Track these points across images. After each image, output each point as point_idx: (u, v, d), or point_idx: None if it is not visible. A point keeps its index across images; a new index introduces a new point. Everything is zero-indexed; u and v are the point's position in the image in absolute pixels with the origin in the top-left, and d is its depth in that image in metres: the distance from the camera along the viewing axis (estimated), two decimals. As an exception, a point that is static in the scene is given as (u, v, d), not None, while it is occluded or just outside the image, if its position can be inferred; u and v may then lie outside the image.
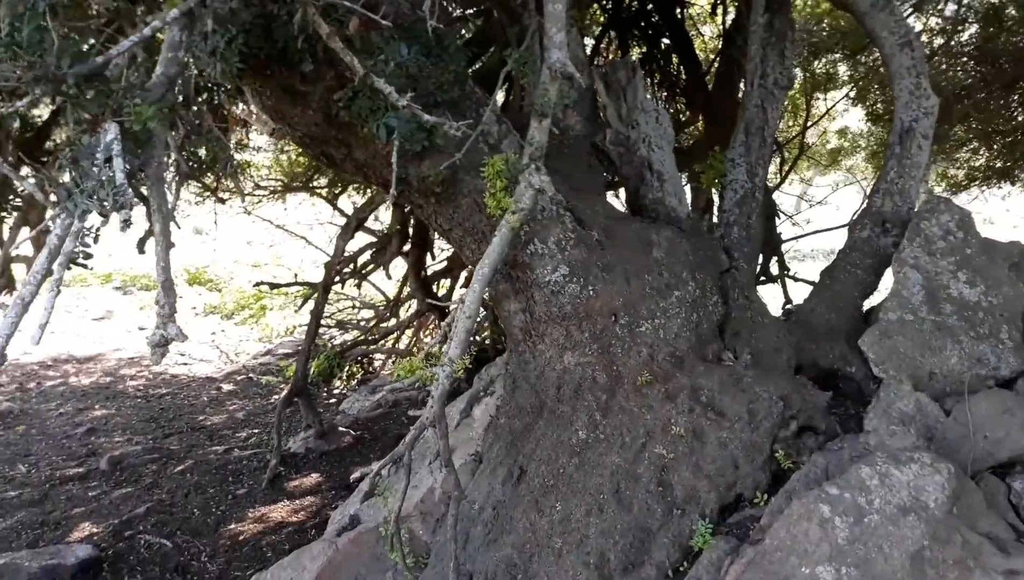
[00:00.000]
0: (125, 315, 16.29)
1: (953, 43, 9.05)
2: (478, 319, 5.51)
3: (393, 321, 11.08)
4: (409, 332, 11.17)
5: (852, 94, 10.14)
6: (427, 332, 11.20)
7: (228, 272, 19.59)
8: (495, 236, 3.76)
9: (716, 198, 7.50)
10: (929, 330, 4.44)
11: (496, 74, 4.15)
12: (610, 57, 8.38)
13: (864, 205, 5.30)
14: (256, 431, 9.22)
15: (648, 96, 5.09)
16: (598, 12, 8.02)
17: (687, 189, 8.89)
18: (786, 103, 10.47)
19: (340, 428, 8.74)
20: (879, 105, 9.85)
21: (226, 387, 11.54)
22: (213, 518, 6.68)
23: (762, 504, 3.62)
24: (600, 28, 8.15)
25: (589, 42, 8.19)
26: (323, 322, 10.07)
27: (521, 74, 3.61)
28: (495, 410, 5.04)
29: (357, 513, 5.27)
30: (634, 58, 8.32)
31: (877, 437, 3.86)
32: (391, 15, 3.42)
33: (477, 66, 6.18)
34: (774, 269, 9.03)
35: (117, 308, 16.82)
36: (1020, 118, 9.10)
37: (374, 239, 9.38)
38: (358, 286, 11.13)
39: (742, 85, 6.21)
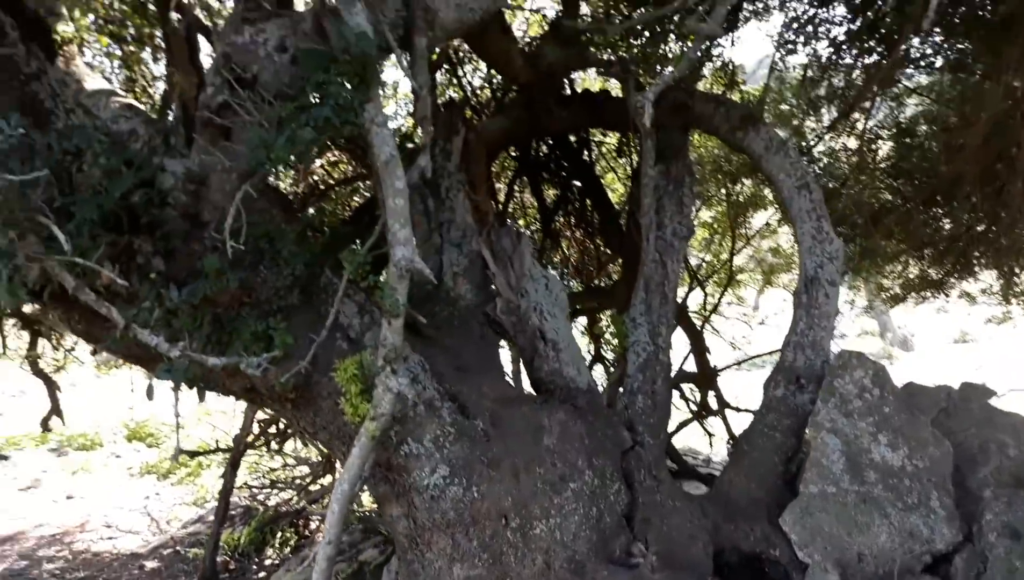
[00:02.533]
0: (55, 482, 15.34)
1: (869, 161, 9.06)
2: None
3: (329, 478, 10.43)
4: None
5: (779, 213, 10.10)
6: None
7: (170, 426, 18.76)
8: (354, 446, 3.35)
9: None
10: (854, 503, 4.04)
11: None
12: (520, 202, 8.25)
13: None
14: (173, 621, 8.40)
15: (535, 263, 4.81)
16: (506, 158, 7.91)
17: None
18: (714, 226, 10.46)
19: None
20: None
21: (150, 565, 10.66)
22: None
23: None
24: (512, 173, 8.02)
25: (501, 187, 8.06)
26: (256, 483, 9.44)
27: (358, 276, 3.26)
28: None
29: None
30: (520, 226, 8.24)
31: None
32: (213, 220, 3.11)
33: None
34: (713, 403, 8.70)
35: (48, 473, 15.87)
36: (943, 231, 9.05)
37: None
38: (279, 449, 10.50)
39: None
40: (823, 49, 7.72)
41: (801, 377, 4.70)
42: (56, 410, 8.24)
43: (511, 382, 6.16)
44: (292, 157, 2.71)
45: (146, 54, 6.83)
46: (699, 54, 4.16)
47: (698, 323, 9.55)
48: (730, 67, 8.03)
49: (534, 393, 4.76)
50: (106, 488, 15.29)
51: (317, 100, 2.91)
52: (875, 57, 7.31)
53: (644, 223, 5.17)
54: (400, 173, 3.21)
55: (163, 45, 6.05)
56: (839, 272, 4.95)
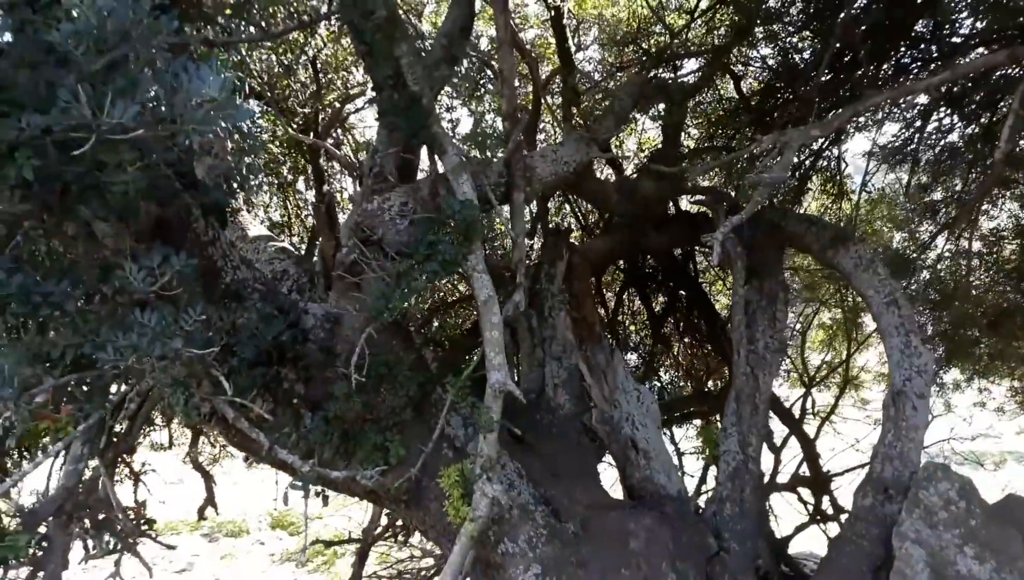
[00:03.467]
0: (206, 566, 16.59)
1: (993, 262, 9.01)
2: None
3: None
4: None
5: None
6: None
7: (310, 516, 19.85)
8: (456, 544, 3.87)
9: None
10: (936, 616, 4.15)
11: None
12: (630, 310, 8.74)
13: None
14: None
15: (628, 377, 5.27)
16: (617, 271, 8.47)
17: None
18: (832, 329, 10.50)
19: None
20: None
21: (287, 648, 11.39)
22: None
23: None
24: (621, 284, 8.56)
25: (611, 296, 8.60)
26: (384, 573, 10.01)
27: (460, 397, 3.86)
28: None
29: None
30: (614, 350, 8.66)
31: None
32: (344, 352, 3.82)
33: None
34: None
35: (200, 557, 17.17)
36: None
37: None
38: (405, 541, 11.10)
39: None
40: (936, 154, 7.91)
41: (889, 487, 4.85)
42: (211, 501, 9.21)
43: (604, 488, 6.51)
44: (407, 305, 3.39)
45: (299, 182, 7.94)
46: (765, 200, 4.58)
47: (816, 425, 9.55)
48: (838, 178, 8.34)
49: (627, 498, 5.15)
50: (250, 574, 16.42)
51: (428, 256, 3.59)
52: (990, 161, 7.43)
53: (735, 338, 5.55)
54: (496, 310, 3.83)
55: (313, 178, 7.14)
56: (928, 385, 5.10)
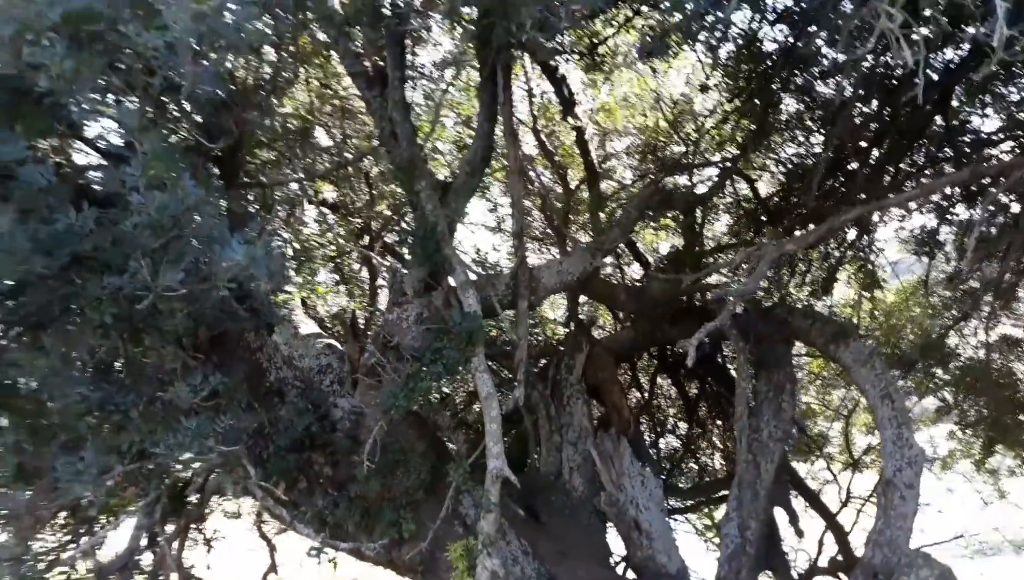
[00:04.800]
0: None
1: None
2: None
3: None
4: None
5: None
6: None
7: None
8: (462, 614, 4.44)
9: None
10: None
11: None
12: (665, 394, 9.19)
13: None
14: None
15: (633, 462, 5.78)
16: (648, 359, 8.99)
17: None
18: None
19: None
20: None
21: None
22: None
23: None
24: (652, 370, 9.06)
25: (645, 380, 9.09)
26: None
27: (463, 482, 4.47)
28: None
29: None
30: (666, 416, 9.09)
31: None
32: (367, 440, 4.51)
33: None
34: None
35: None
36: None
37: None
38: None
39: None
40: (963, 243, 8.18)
41: (878, 573, 5.17)
42: (273, 568, 9.92)
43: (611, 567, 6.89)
44: (411, 404, 4.08)
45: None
46: (736, 309, 5.10)
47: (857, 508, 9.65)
48: (869, 268, 8.70)
49: (632, 576, 5.60)
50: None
51: (434, 359, 4.28)
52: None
53: (737, 427, 6.00)
54: (495, 405, 4.46)
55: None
56: (917, 476, 5.42)
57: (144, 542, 4.04)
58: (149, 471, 3.24)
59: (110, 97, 2.96)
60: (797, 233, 7.04)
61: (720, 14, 4.61)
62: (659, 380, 9.43)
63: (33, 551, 3.67)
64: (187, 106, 3.09)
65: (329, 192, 7.46)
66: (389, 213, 7.23)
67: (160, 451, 2.96)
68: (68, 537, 4.19)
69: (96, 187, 2.98)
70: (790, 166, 7.43)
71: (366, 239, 7.35)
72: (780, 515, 7.43)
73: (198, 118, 3.20)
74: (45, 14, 2.51)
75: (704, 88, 6.43)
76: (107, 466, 3.11)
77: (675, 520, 9.89)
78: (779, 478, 7.07)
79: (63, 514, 4.00)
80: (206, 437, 2.96)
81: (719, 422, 9.17)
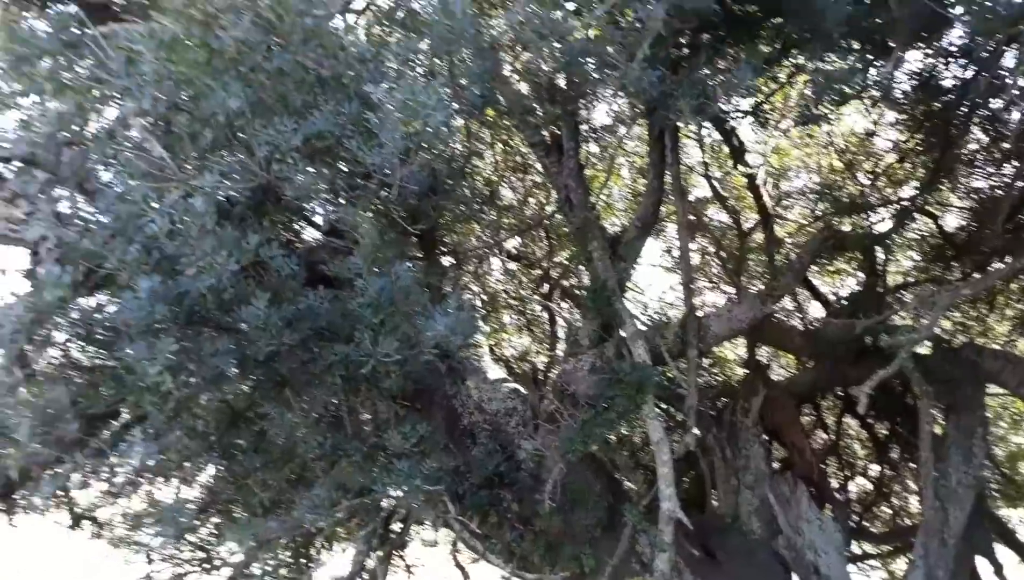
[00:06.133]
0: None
1: None
2: None
3: None
4: None
5: None
6: None
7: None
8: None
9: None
10: None
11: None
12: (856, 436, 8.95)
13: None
14: None
15: (811, 507, 5.82)
16: (833, 399, 8.84)
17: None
18: None
19: None
20: None
21: None
22: None
23: None
24: (839, 410, 8.89)
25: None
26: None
27: (638, 522, 4.79)
28: None
29: None
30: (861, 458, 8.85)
31: None
32: (548, 479, 4.96)
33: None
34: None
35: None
36: None
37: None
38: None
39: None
40: None
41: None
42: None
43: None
44: (587, 447, 4.48)
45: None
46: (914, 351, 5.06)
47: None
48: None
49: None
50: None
51: (607, 407, 4.66)
52: None
53: (922, 473, 5.88)
54: (667, 450, 4.77)
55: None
56: None
57: (362, 567, 4.71)
58: (369, 506, 3.86)
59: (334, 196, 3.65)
60: (993, 267, 6.79)
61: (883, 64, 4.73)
62: (847, 420, 9.21)
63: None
64: (395, 198, 3.72)
65: (512, 243, 8.12)
66: (567, 262, 7.73)
67: (378, 489, 3.55)
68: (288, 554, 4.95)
69: (327, 271, 3.64)
70: (977, 199, 7.17)
71: (546, 287, 7.89)
72: (984, 565, 7.09)
73: (403, 209, 3.82)
74: (290, 139, 3.19)
75: (871, 134, 6.43)
76: (336, 501, 3.75)
77: (867, 566, 9.58)
78: (980, 526, 6.77)
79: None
80: (415, 477, 3.52)
81: (912, 464, 8.81)
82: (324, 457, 3.61)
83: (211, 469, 4.92)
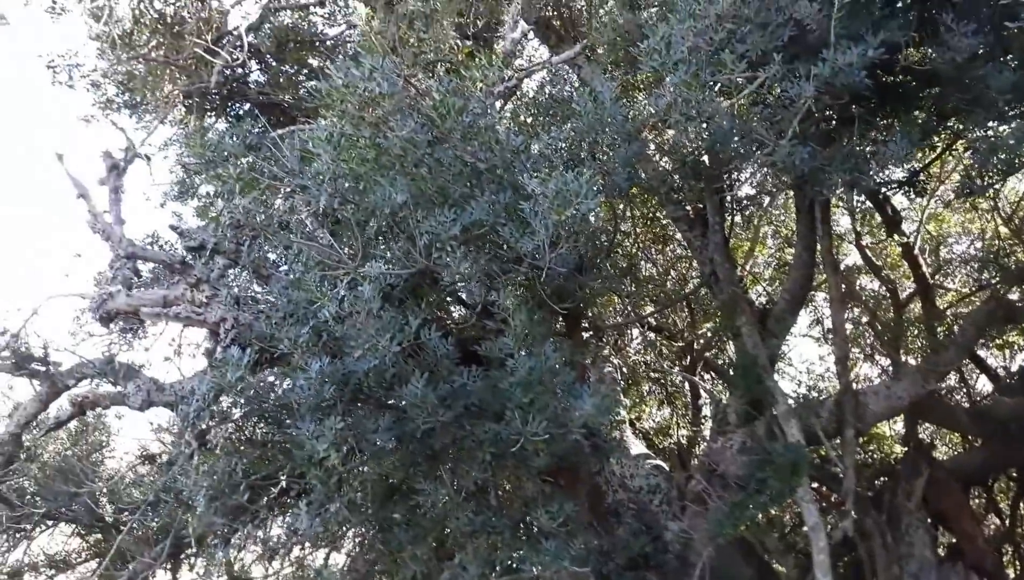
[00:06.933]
0: None
1: None
2: None
3: None
4: None
5: None
6: None
7: None
8: None
9: None
10: None
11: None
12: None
13: None
14: None
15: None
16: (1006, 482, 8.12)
17: None
18: None
19: None
20: None
21: None
22: None
23: None
24: (1013, 494, 8.15)
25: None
26: None
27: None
28: None
29: None
30: None
31: None
32: (696, 561, 4.81)
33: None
34: None
35: None
36: None
37: None
38: None
39: None
40: None
41: None
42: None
43: None
44: (737, 531, 4.33)
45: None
46: None
47: None
48: None
49: None
50: None
51: (759, 490, 4.50)
52: None
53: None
54: (823, 536, 4.53)
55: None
56: None
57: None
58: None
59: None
60: None
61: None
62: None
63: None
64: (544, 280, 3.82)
65: (652, 315, 8.07)
66: (710, 334, 7.60)
67: (525, 568, 3.57)
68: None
69: (478, 350, 3.76)
70: None
71: (688, 359, 7.76)
72: None
73: (550, 288, 3.92)
74: (449, 228, 3.36)
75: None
76: (484, 577, 3.79)
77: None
78: None
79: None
80: (563, 558, 3.52)
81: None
82: (473, 533, 3.67)
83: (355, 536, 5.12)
